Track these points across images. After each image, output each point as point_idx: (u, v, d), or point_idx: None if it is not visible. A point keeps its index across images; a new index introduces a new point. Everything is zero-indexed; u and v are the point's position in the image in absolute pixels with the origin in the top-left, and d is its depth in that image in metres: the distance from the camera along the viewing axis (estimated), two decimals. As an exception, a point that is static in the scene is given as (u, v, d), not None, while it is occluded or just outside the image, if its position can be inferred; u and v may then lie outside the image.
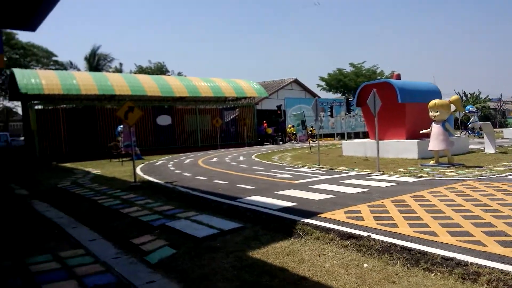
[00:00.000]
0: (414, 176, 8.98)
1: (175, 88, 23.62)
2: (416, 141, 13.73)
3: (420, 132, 12.66)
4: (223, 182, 9.23)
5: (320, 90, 44.33)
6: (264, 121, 30.57)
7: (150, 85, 22.72)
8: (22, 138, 32.53)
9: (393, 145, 14.38)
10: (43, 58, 42.16)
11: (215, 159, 16.63)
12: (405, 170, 10.32)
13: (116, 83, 21.56)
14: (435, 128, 11.02)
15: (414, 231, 4.44)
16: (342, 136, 35.75)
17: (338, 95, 44.63)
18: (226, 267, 3.87)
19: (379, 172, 9.84)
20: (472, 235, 4.20)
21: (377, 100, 10.08)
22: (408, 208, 5.55)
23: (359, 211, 5.51)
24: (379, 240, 4.20)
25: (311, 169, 11.39)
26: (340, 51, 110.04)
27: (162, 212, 6.63)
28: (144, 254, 4.44)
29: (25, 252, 4.78)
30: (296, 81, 40.52)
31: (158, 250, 4.56)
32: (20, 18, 6.55)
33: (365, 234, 4.42)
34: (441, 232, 4.37)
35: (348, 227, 4.76)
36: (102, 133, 21.45)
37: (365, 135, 37.26)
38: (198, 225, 5.49)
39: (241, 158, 16.86)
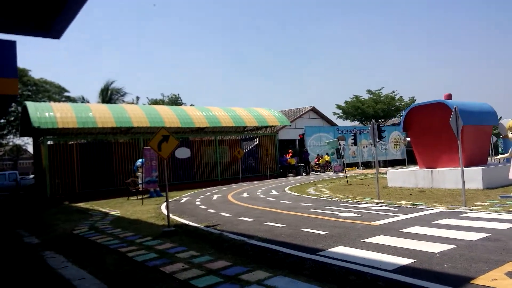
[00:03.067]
0: (520, 212, 7.19)
1: (195, 119, 22.23)
2: (480, 168, 11.95)
3: (497, 157, 10.97)
4: (280, 225, 7.48)
5: (337, 118, 42.95)
6: (290, 150, 28.92)
7: (169, 116, 21.37)
8: (32, 176, 31.16)
9: (450, 174, 12.59)
10: (54, 94, 41.54)
11: (245, 194, 14.90)
12: (487, 204, 8.56)
13: (134, 114, 20.22)
14: (519, 153, 9.32)
15: None
16: (365, 165, 33.96)
17: (355, 123, 43.16)
18: None
19: (467, 208, 8.05)
20: None
21: (459, 120, 8.42)
22: None
23: (528, 274, 3.75)
24: None
25: (374, 205, 9.61)
26: (355, 78, 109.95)
27: (218, 271, 4.91)
28: None
29: None
30: (313, 110, 39.20)
31: None
32: (42, 22, 5.13)
33: None
34: None
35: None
36: (118, 169, 19.89)
37: (386, 163, 35.49)
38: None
39: (274, 192, 15.11)
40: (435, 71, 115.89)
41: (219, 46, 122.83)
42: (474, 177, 11.91)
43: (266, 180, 23.21)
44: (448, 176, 12.61)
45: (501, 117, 23.25)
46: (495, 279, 3.67)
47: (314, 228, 6.91)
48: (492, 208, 7.87)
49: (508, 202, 8.59)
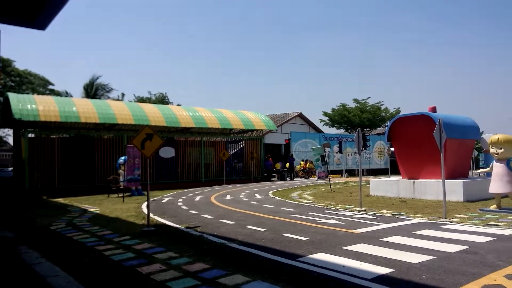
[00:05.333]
0: (497, 226, 7.30)
1: (181, 118, 22.03)
2: (461, 181, 12.14)
3: (478, 171, 11.15)
4: (261, 230, 7.42)
5: (323, 125, 43.24)
6: (269, 156, 28.91)
7: (154, 114, 21.12)
8: (11, 168, 30.38)
9: (432, 186, 12.75)
10: (39, 87, 40.73)
11: (228, 197, 14.81)
12: (466, 216, 8.69)
13: (119, 111, 19.91)
14: (498, 168, 9.48)
15: None
16: (349, 173, 34.25)
17: (341, 131, 43.50)
18: None
19: (447, 220, 8.15)
20: None
21: (443, 132, 8.54)
22: None
23: (504, 288, 3.78)
24: None
25: (356, 213, 9.65)
26: (343, 86, 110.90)
27: (196, 273, 4.83)
28: None
29: None
30: (300, 115, 39.42)
31: None
32: (25, 13, 4.99)
33: None
34: None
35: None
36: (100, 165, 19.54)
37: (369, 172, 35.85)
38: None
39: (257, 196, 15.06)
40: (421, 84, 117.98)
41: (211, 48, 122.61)
42: (455, 189, 12.08)
43: (250, 184, 23.15)
44: (430, 188, 12.76)
45: (482, 131, 23.78)
46: (472, 292, 3.70)
47: (295, 233, 6.88)
48: (472, 221, 7.99)
49: (487, 216, 8.73)
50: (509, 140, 9.44)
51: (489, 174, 9.93)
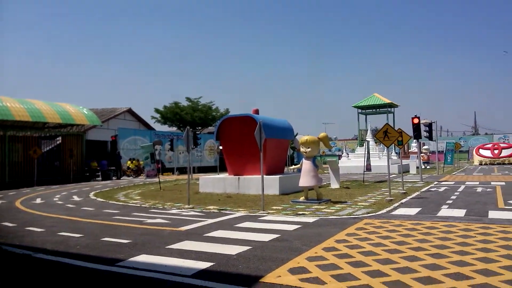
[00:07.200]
0: (304, 215, 8.39)
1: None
2: (277, 176, 13.59)
3: (290, 168, 12.59)
4: (77, 235, 6.60)
5: (155, 122, 42.22)
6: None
7: None
8: None
9: (254, 181, 13.88)
10: None
11: (39, 200, 12.83)
12: (281, 208, 9.76)
13: None
14: (306, 164, 10.95)
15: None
16: (180, 171, 34.41)
17: (173, 129, 43.36)
18: None
19: (264, 212, 8.94)
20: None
21: (263, 133, 9.30)
22: (355, 260, 4.64)
23: (306, 269, 4.29)
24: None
25: (183, 210, 9.64)
26: (176, 84, 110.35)
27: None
28: None
29: None
30: (130, 111, 37.59)
31: None
32: None
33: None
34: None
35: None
36: None
37: (201, 170, 36.97)
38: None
39: (76, 198, 13.53)
40: (248, 86, 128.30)
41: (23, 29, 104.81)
42: (273, 184, 13.43)
43: (68, 185, 20.72)
44: (252, 183, 13.85)
45: (297, 133, 27.31)
46: (279, 276, 4.08)
47: (117, 237, 6.38)
48: (285, 212, 8.96)
49: (297, 206, 9.96)
50: (315, 141, 11.03)
51: (300, 170, 11.37)
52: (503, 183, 15.44)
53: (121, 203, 11.49)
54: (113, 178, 25.99)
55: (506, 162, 37.90)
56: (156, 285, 3.99)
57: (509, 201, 9.87)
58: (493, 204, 9.48)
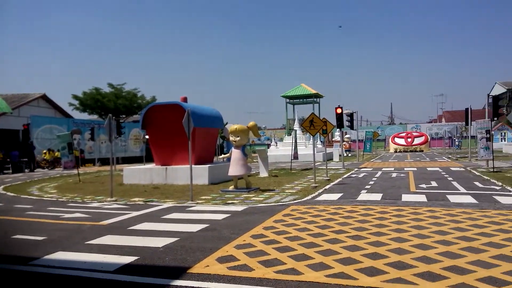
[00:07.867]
0: (233, 204, 8.41)
1: None
2: (207, 166, 13.44)
3: (220, 157, 12.47)
4: (-20, 235, 5.91)
5: (73, 109, 39.23)
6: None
7: None
8: None
9: (182, 171, 13.58)
10: None
11: None
12: (210, 197, 9.69)
13: None
14: (236, 153, 10.97)
15: (325, 275, 3.64)
16: (102, 161, 32.55)
17: (94, 117, 40.75)
18: None
19: (193, 202, 8.79)
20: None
21: (191, 122, 9.08)
22: (282, 245, 4.76)
23: (234, 257, 4.28)
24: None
25: (105, 203, 9.10)
26: (95, 70, 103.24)
27: None
28: None
29: None
30: (44, 97, 34.48)
31: None
32: None
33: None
34: (356, 274, 3.76)
35: (247, 285, 3.48)
36: None
37: (125, 160, 35.32)
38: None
39: (-21, 193, 12.12)
40: (176, 75, 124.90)
41: None
42: (202, 174, 13.25)
43: (-30, 179, 18.49)
44: (180, 173, 13.53)
45: (227, 122, 27.23)
46: (208, 266, 4.03)
47: (30, 233, 5.82)
48: (214, 201, 8.90)
49: (226, 196, 9.95)
50: (244, 130, 11.06)
51: (229, 159, 11.35)
52: (415, 169, 16.96)
53: (34, 198, 10.53)
54: (26, 170, 23.74)
55: (418, 149, 41.67)
56: (75, 283, 3.71)
57: (420, 185, 10.86)
58: (406, 188, 10.36)
